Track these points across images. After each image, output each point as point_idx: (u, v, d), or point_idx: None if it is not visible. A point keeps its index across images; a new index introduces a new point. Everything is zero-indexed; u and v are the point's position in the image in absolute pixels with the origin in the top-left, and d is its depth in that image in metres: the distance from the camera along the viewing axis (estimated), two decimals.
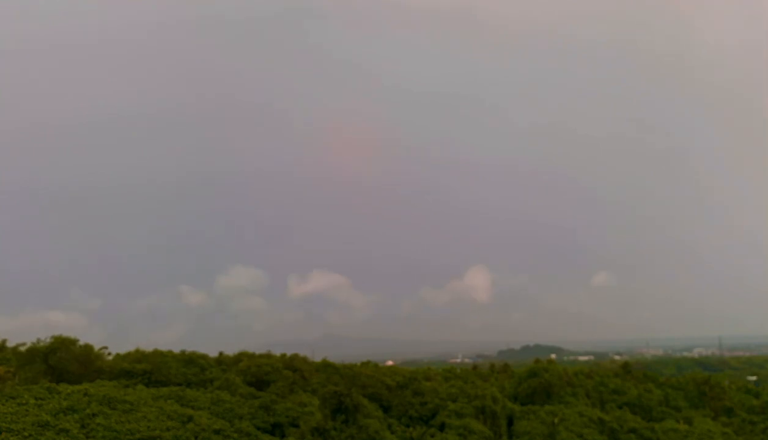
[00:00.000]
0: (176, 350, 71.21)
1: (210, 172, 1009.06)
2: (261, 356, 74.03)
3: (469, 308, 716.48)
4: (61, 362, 61.01)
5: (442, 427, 66.55)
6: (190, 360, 69.25)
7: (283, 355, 74.66)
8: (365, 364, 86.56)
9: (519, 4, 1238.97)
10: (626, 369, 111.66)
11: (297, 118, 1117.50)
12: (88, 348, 64.06)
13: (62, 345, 61.36)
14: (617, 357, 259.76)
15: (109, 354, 67.17)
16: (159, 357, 67.42)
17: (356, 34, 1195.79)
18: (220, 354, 76.74)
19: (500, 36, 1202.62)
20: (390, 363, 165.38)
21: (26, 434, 41.17)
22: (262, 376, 66.55)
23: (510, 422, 71.90)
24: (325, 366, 77.36)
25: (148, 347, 70.89)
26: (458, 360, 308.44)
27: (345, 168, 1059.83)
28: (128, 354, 68.49)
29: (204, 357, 71.92)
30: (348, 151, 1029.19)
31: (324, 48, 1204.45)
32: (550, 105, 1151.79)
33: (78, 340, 62.86)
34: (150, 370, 64.35)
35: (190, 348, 72.95)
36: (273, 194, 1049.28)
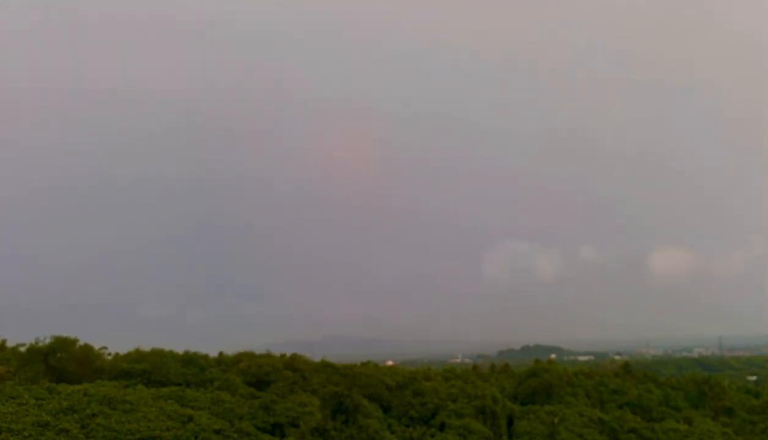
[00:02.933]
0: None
1: (208, 177, 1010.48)
2: (261, 356, 73.99)
3: (469, 308, 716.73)
4: (60, 362, 61.00)
5: (442, 427, 66.50)
6: (189, 360, 69.24)
7: (283, 355, 74.61)
8: (365, 364, 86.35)
9: (516, 14, 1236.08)
10: (626, 369, 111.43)
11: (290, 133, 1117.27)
12: (87, 348, 64.04)
13: (62, 345, 61.37)
14: (617, 357, 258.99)
15: (109, 354, 67.21)
16: (158, 357, 67.35)
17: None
18: (220, 354, 76.69)
19: (496, 49, 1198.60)
20: (390, 363, 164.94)
21: (26, 434, 41.22)
22: (262, 376, 66.50)
23: (510, 422, 71.83)
24: (325, 366, 77.20)
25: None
26: (458, 360, 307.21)
27: (338, 181, 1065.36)
28: (128, 354, 68.38)
29: (204, 357, 71.90)
30: (341, 166, 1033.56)
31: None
32: (547, 114, 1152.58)
33: (78, 340, 62.92)
34: (149, 370, 64.27)
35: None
36: (267, 201, 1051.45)
